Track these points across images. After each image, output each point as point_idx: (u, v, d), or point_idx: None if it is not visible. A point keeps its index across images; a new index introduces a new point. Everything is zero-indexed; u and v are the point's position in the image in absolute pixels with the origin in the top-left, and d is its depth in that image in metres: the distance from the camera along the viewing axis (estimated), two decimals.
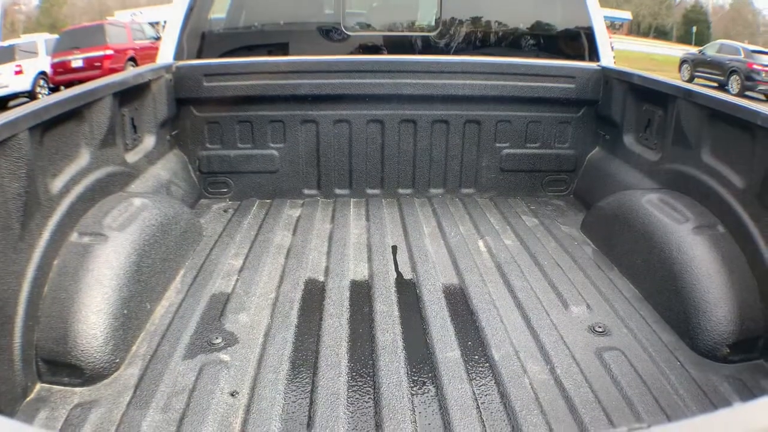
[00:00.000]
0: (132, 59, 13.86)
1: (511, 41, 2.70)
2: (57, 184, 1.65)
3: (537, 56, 2.68)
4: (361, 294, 1.88)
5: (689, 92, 2.01)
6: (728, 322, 1.55)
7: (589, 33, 2.63)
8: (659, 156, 2.21)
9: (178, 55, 2.53)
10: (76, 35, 13.80)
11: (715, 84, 15.83)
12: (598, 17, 2.60)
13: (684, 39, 46.62)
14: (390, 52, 2.67)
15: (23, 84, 13.19)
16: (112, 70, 10.86)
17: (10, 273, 1.38)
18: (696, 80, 16.64)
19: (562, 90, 2.59)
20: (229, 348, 1.57)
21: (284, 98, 2.56)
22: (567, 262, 2.07)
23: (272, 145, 2.63)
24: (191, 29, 2.55)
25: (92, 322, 1.47)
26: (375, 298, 1.84)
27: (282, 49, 2.73)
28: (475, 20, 2.66)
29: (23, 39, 16.84)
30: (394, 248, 2.21)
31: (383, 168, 2.68)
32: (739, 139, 1.72)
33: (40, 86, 13.45)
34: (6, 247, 1.35)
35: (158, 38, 14.35)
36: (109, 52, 13.21)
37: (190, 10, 2.53)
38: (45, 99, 1.67)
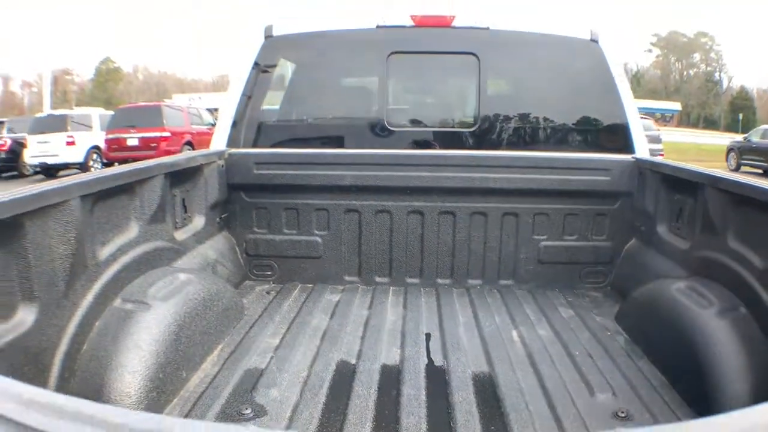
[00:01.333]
0: (189, 143, 14.17)
1: (547, 135, 2.80)
2: (105, 251, 1.76)
3: (573, 150, 2.76)
4: (391, 377, 1.91)
5: (715, 179, 2.06)
6: (751, 405, 1.52)
7: (624, 126, 2.71)
8: (689, 244, 2.23)
9: (232, 142, 2.72)
10: (133, 114, 14.39)
11: (761, 170, 15.54)
12: (632, 110, 2.69)
13: (731, 127, 46.64)
14: (431, 147, 2.80)
15: (75, 156, 13.76)
16: (168, 152, 11.26)
17: (51, 326, 1.46)
18: (742, 168, 16.39)
19: (597, 183, 2.64)
20: (257, 419, 1.62)
21: (329, 188, 2.69)
22: (598, 351, 2.07)
23: (317, 232, 2.74)
24: (244, 119, 2.75)
25: (127, 381, 1.53)
26: (403, 381, 1.86)
27: (329, 141, 2.90)
28: (512, 116, 2.78)
29: (77, 111, 17.59)
30: (428, 335, 2.24)
31: (423, 258, 2.75)
32: (761, 222, 1.74)
33: (93, 160, 14.06)
34: (49, 301, 1.45)
35: (215, 124, 14.76)
36: (166, 134, 13.56)
37: (244, 100, 2.74)
38: (99, 171, 1.81)
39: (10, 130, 15.57)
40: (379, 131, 2.74)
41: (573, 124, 2.81)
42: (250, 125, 2.76)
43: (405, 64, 2.78)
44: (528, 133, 2.79)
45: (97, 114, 15.55)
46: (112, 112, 15.75)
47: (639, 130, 2.68)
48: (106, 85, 59.24)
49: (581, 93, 2.74)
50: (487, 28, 2.57)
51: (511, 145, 2.73)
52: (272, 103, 2.97)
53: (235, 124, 2.70)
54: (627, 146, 2.71)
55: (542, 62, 2.73)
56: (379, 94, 2.80)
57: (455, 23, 2.57)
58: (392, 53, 2.65)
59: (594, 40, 2.65)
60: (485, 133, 2.74)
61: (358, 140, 2.78)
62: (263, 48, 2.75)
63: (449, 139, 2.81)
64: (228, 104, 2.76)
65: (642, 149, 2.70)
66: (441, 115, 3.00)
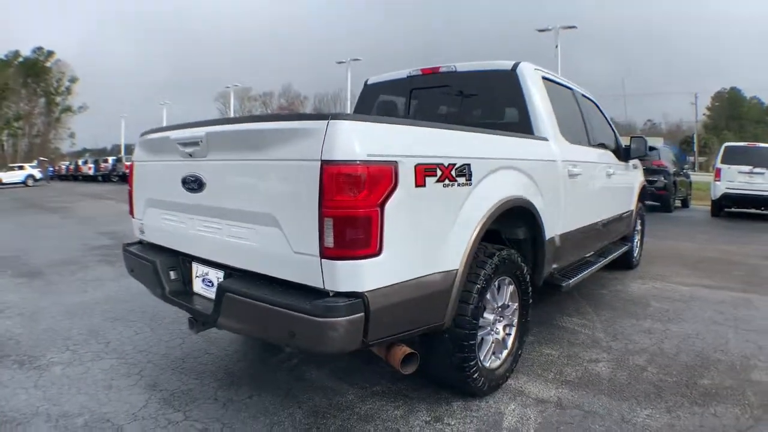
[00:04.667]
0: None
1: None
2: None
3: None
4: None
5: None
6: None
7: (529, 124, 3.95)
8: None
9: None
10: None
11: None
12: (538, 115, 3.90)
13: None
14: None
15: None
16: None
17: None
18: None
19: None
20: None
21: None
22: None
23: None
24: None
25: None
26: None
27: None
28: (471, 117, 4.40)
29: None
30: None
31: None
32: None
33: None
34: None
35: None
36: None
37: None
38: None
39: None
40: None
41: (497, 122, 4.20)
42: None
43: (423, 91, 4.80)
44: (473, 124, 4.15)
45: None
46: None
47: (543, 125, 3.94)
48: None
49: (506, 104, 4.22)
50: (455, 70, 4.45)
51: None
52: None
53: None
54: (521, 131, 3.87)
55: (486, 83, 4.28)
56: (407, 106, 4.85)
57: (441, 70, 4.53)
58: (413, 88, 4.81)
59: (513, 70, 4.08)
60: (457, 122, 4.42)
61: None
62: (365, 89, 5.21)
63: None
64: None
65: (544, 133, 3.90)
66: (440, 114, 4.73)
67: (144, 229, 3.57)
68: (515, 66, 4.13)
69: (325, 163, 2.20)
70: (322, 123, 2.24)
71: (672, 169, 16.03)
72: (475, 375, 3.05)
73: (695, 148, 59.39)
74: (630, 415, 3.07)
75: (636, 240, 7.24)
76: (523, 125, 4.00)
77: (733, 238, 10.70)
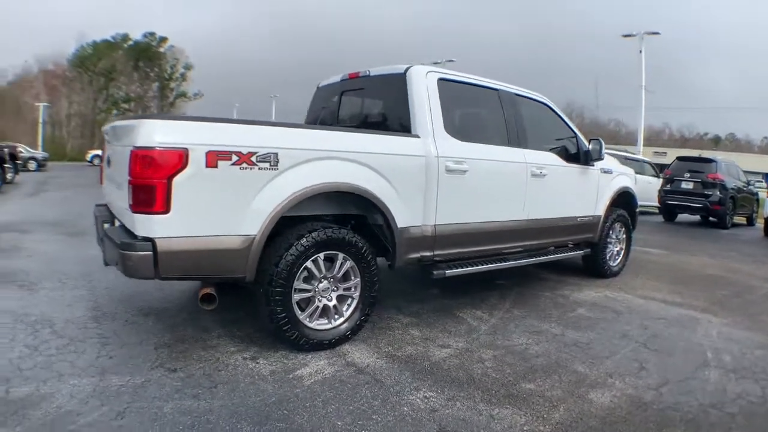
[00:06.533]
0: None
1: (379, 124, 4.98)
2: None
3: (385, 131, 4.48)
4: None
5: None
6: None
7: (408, 118, 4.46)
8: None
9: None
10: None
11: None
12: (418, 111, 4.37)
13: None
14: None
15: None
16: None
17: None
18: None
19: None
20: None
21: None
22: None
23: None
24: None
25: None
26: None
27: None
28: (373, 115, 5.08)
29: None
30: None
31: None
32: None
33: None
34: None
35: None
36: None
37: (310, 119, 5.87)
38: None
39: None
40: (337, 122, 5.42)
41: (393, 121, 4.69)
42: None
43: (349, 94, 5.44)
44: (377, 123, 4.87)
45: None
46: None
47: (421, 123, 4.35)
48: None
49: (399, 101, 4.53)
50: (369, 74, 4.97)
51: (371, 127, 4.80)
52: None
53: None
54: (409, 130, 4.38)
55: (386, 86, 4.74)
56: (338, 107, 5.50)
57: (360, 75, 5.09)
58: (343, 91, 5.45)
59: (404, 73, 4.46)
60: (364, 125, 5.01)
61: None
62: (317, 91, 5.94)
63: (355, 124, 5.19)
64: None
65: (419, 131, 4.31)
66: (358, 114, 5.33)
67: (104, 193, 4.75)
68: (407, 69, 4.51)
69: (133, 148, 3.14)
70: (137, 122, 3.24)
71: (732, 183, 15.24)
72: (287, 328, 3.61)
73: None
74: (408, 393, 3.22)
75: (614, 248, 7.06)
76: (406, 123, 4.50)
77: (761, 257, 10.07)
